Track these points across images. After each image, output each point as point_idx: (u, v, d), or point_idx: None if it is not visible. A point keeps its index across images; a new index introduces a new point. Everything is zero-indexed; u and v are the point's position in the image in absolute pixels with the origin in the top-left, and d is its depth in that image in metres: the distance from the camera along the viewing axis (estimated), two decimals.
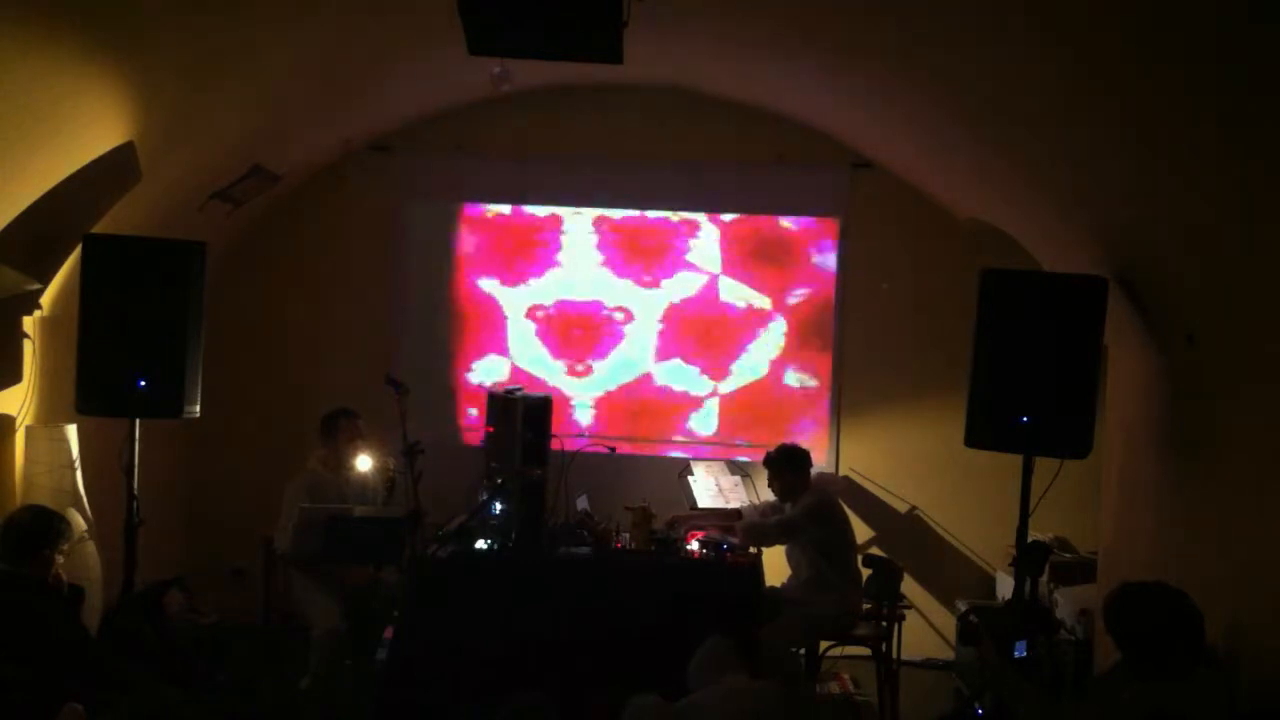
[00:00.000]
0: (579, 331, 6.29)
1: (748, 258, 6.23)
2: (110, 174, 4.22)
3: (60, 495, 4.39)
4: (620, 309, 6.28)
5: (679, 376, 6.27)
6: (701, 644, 3.67)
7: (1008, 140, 4.43)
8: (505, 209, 6.30)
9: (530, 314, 6.30)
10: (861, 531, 5.79)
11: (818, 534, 4.93)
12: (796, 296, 6.22)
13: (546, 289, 6.30)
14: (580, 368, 6.29)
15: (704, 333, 6.26)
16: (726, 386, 6.26)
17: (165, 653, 4.48)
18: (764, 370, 6.24)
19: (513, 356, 6.32)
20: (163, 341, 4.10)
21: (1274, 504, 3.39)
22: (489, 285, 6.32)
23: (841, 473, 6.16)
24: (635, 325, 6.28)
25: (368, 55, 4.85)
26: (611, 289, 6.28)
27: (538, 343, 6.31)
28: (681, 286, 6.26)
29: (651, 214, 6.25)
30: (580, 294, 6.29)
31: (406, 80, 5.48)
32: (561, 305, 6.30)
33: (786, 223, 6.22)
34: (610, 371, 6.29)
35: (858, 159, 6.10)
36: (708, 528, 5.09)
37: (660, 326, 6.27)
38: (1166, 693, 2.96)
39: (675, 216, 6.25)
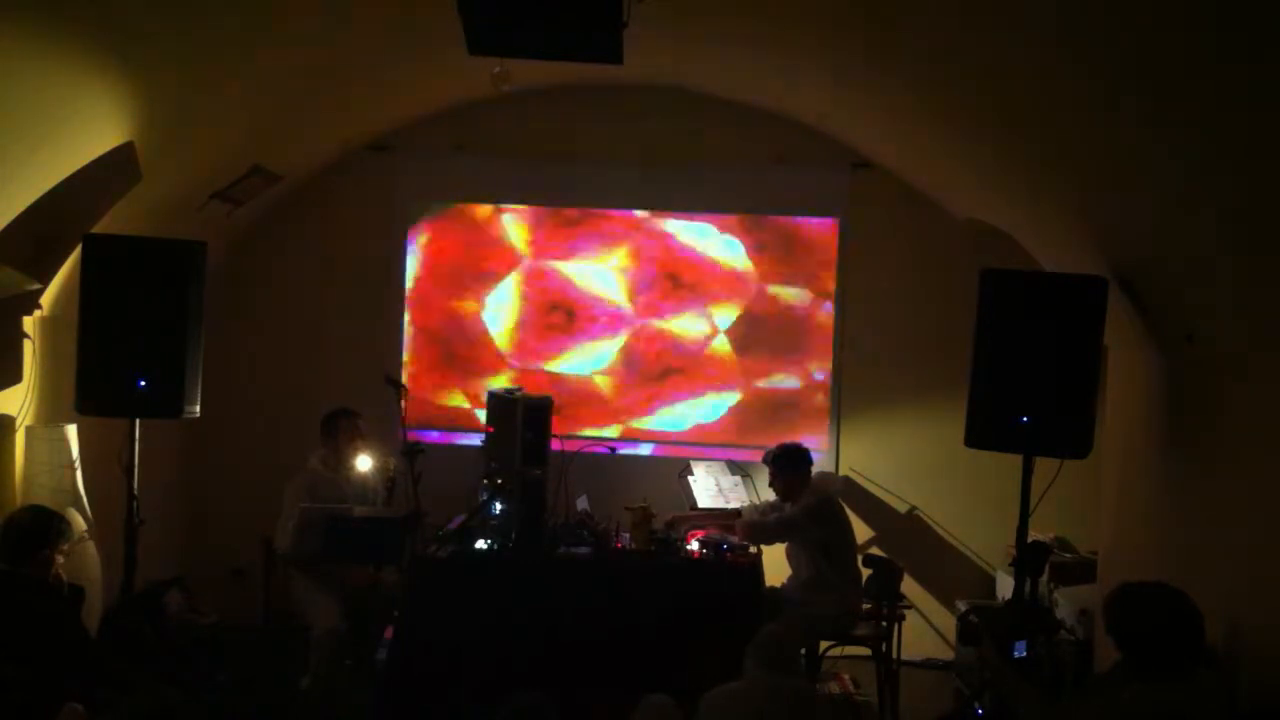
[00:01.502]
0: (561, 314, 6.29)
1: (764, 320, 6.24)
2: (110, 174, 4.22)
3: (60, 495, 4.38)
4: (613, 314, 6.28)
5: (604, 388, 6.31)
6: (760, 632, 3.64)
7: (1008, 140, 4.43)
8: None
9: (530, 278, 6.30)
10: (861, 531, 5.79)
11: (818, 533, 4.93)
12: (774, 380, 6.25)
13: (567, 266, 6.30)
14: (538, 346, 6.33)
15: (668, 367, 6.27)
16: (641, 424, 6.28)
17: (165, 653, 4.49)
18: (688, 425, 6.27)
19: (485, 304, 6.30)
20: (163, 341, 4.10)
21: (1274, 504, 3.39)
22: (512, 225, 6.29)
23: (841, 473, 6.16)
24: (615, 333, 6.28)
25: (368, 55, 4.85)
26: (621, 295, 6.27)
27: (516, 300, 6.29)
28: (687, 324, 6.26)
29: (716, 253, 6.21)
30: (591, 286, 6.28)
31: (406, 80, 5.48)
32: (564, 284, 6.29)
33: (822, 314, 6.20)
34: (561, 362, 6.31)
35: (858, 159, 6.09)
36: (708, 527, 5.09)
37: (630, 340, 6.28)
38: (1166, 693, 2.96)
39: (741, 264, 6.19)
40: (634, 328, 6.28)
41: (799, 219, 6.22)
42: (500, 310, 6.32)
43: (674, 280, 6.26)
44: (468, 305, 6.32)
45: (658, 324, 6.27)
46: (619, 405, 6.29)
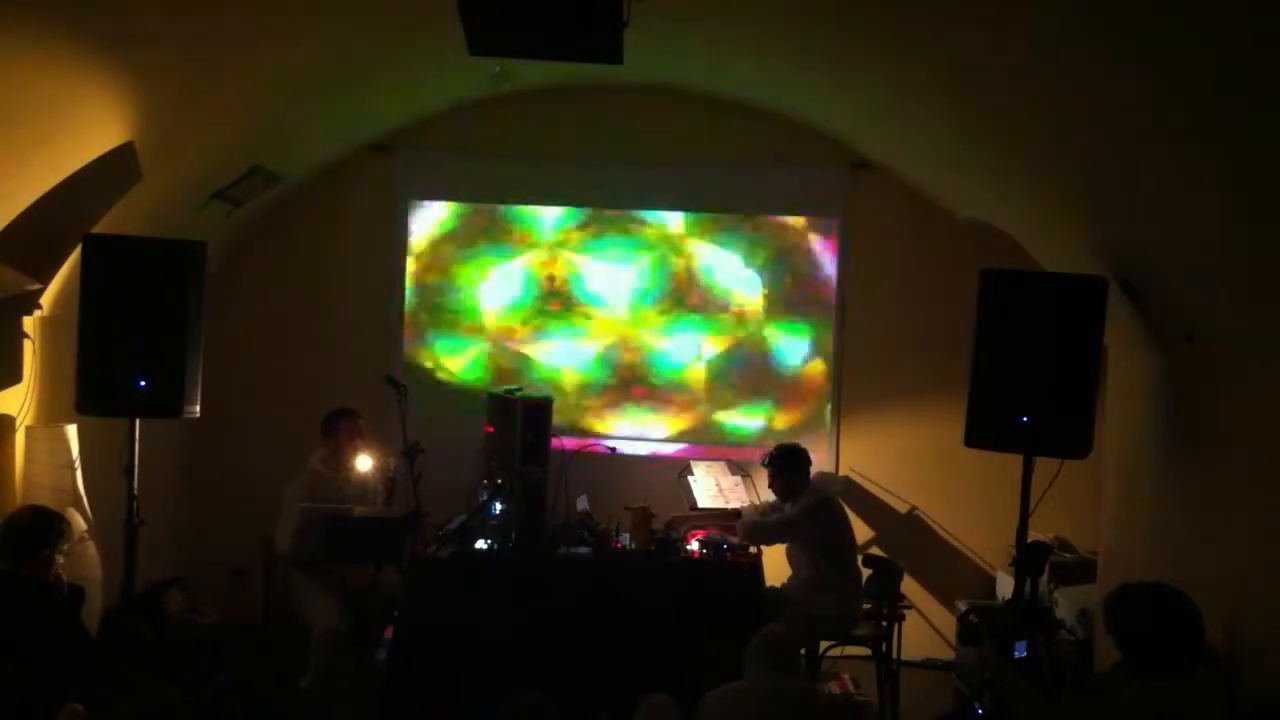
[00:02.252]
0: (559, 304, 6.29)
1: (751, 360, 6.26)
2: (110, 174, 4.22)
3: (60, 495, 4.38)
4: (609, 318, 6.27)
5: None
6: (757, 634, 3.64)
7: (1008, 140, 4.43)
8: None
9: (546, 262, 6.27)
10: (861, 531, 5.79)
11: (818, 533, 4.93)
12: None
13: (585, 261, 6.27)
14: (526, 331, 6.32)
15: (638, 379, 6.27)
16: (591, 426, 6.25)
17: (165, 653, 4.49)
18: (636, 437, 6.26)
19: (490, 274, 6.28)
20: (163, 341, 4.10)
21: (1274, 504, 3.39)
22: (548, 208, 6.28)
23: (841, 473, 6.16)
24: (603, 336, 6.27)
25: (368, 55, 4.85)
26: (624, 302, 6.27)
27: (522, 278, 6.27)
28: (675, 345, 6.25)
29: (731, 284, 6.22)
30: (599, 286, 6.27)
31: (407, 80, 5.48)
32: (575, 277, 6.27)
33: (810, 368, 6.18)
34: (537, 349, 6.31)
35: (858, 159, 6.09)
36: (708, 527, 5.09)
37: (615, 347, 6.28)
38: (1167, 693, 2.96)
39: (751, 301, 6.21)
40: (623, 336, 6.28)
41: (827, 273, 6.20)
42: (502, 283, 6.30)
43: (679, 301, 6.25)
44: (473, 269, 6.30)
45: (647, 338, 6.28)
46: (575, 403, 6.28)
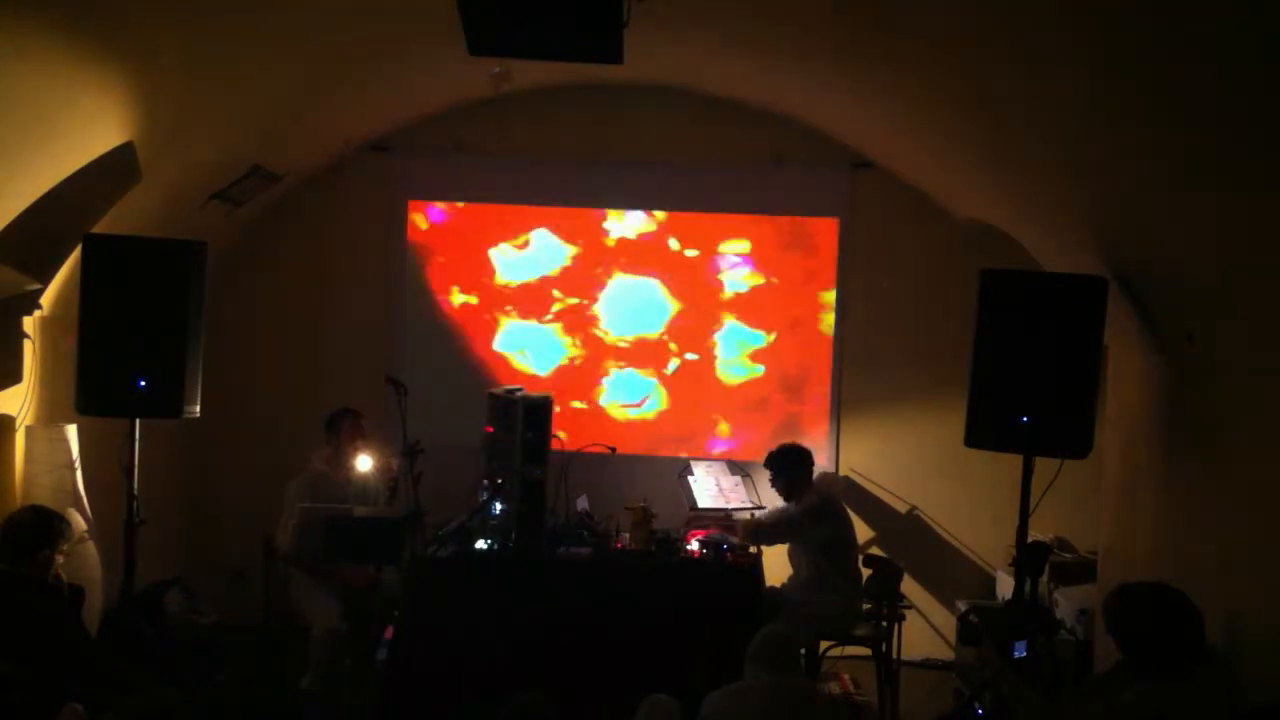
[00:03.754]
0: (555, 301, 6.29)
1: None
2: (110, 174, 4.22)
3: (60, 495, 4.38)
4: (594, 337, 6.28)
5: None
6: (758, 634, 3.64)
7: (1008, 140, 4.43)
8: None
9: (586, 260, 6.26)
10: (861, 531, 5.79)
11: (819, 533, 4.93)
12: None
13: (615, 275, 6.26)
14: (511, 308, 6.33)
15: (569, 392, 6.25)
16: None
17: (165, 653, 4.49)
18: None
19: (530, 243, 6.27)
20: (163, 341, 4.09)
21: (1274, 503, 3.39)
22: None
23: (841, 473, 6.16)
24: (577, 343, 6.28)
25: (367, 56, 4.85)
26: (616, 332, 6.26)
27: (543, 264, 6.27)
28: (627, 385, 6.25)
29: (726, 367, 6.24)
30: (612, 305, 6.26)
31: (406, 80, 5.48)
32: (597, 282, 6.26)
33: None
34: (506, 325, 6.31)
35: (858, 159, 6.10)
36: (708, 527, 5.09)
37: (579, 357, 6.29)
38: (1167, 693, 2.96)
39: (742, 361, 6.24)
40: (596, 352, 6.28)
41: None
42: (527, 259, 6.28)
43: (669, 346, 6.24)
44: (517, 241, 6.28)
45: (613, 364, 6.27)
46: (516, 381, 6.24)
